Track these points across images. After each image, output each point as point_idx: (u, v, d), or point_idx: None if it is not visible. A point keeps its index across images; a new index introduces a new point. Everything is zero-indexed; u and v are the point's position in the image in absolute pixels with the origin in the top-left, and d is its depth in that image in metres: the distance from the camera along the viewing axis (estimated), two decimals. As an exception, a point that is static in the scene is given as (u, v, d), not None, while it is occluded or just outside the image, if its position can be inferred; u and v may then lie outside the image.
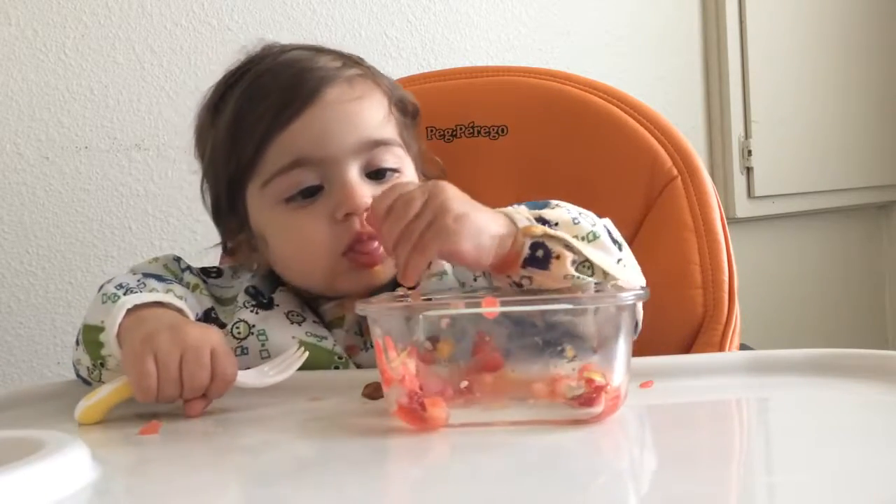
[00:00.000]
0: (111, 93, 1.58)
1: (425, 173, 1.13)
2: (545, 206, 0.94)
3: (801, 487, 0.61)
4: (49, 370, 1.54)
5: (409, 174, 1.07)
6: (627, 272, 0.93)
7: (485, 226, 0.86)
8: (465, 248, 0.84)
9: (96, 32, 1.57)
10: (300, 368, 0.94)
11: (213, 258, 1.24)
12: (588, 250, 0.89)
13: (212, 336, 0.90)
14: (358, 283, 1.02)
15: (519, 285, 0.89)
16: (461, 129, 1.26)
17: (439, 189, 0.86)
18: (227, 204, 1.08)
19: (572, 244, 0.88)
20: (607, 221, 0.96)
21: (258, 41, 1.11)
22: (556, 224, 0.90)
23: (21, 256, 1.52)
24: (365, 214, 0.99)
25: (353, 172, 1.02)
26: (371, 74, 1.09)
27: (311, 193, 1.02)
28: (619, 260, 0.92)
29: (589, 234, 0.91)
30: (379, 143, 1.04)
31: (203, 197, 1.12)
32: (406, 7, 1.86)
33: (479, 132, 1.27)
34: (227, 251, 1.14)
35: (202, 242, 1.57)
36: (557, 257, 0.87)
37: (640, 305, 0.91)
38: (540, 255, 0.87)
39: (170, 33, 1.62)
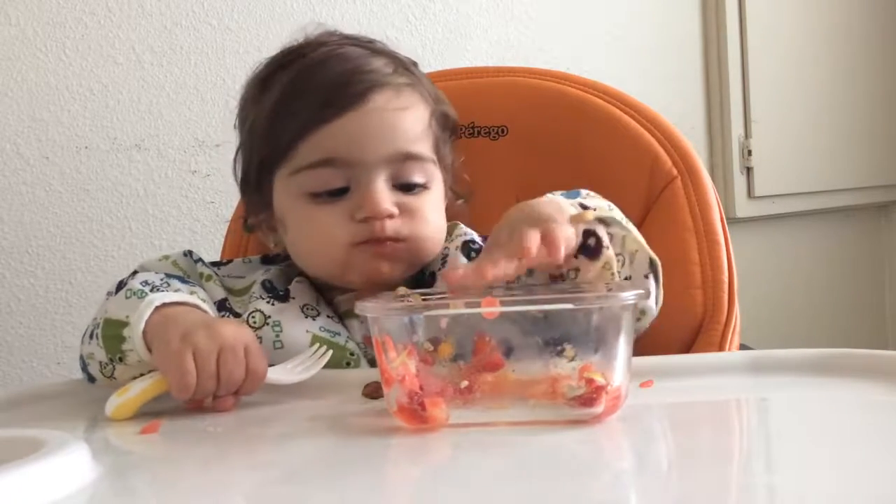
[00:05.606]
0: (111, 93, 1.58)
1: (454, 190, 1.14)
2: (577, 195, 0.97)
3: (801, 487, 0.61)
4: (49, 370, 1.54)
5: (436, 191, 1.08)
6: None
7: (558, 220, 0.86)
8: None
9: (96, 32, 1.57)
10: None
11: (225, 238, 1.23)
12: (635, 232, 0.94)
13: (245, 333, 0.92)
14: (367, 275, 1.03)
15: (561, 278, 0.90)
16: (461, 129, 1.26)
17: (518, 215, 0.87)
18: (255, 181, 1.10)
19: (615, 230, 0.91)
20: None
21: (317, 25, 1.12)
22: (596, 210, 0.93)
23: (21, 256, 1.52)
24: (385, 221, 1.01)
25: (381, 180, 1.03)
26: (419, 84, 1.10)
27: (336, 193, 1.04)
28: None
29: (624, 219, 0.95)
30: (411, 157, 1.05)
31: (234, 166, 1.14)
32: (406, 7, 1.86)
33: (479, 132, 1.27)
34: (246, 227, 1.15)
35: (202, 242, 1.58)
36: (606, 247, 0.90)
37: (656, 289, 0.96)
38: (592, 244, 0.89)
39: (170, 33, 1.62)
